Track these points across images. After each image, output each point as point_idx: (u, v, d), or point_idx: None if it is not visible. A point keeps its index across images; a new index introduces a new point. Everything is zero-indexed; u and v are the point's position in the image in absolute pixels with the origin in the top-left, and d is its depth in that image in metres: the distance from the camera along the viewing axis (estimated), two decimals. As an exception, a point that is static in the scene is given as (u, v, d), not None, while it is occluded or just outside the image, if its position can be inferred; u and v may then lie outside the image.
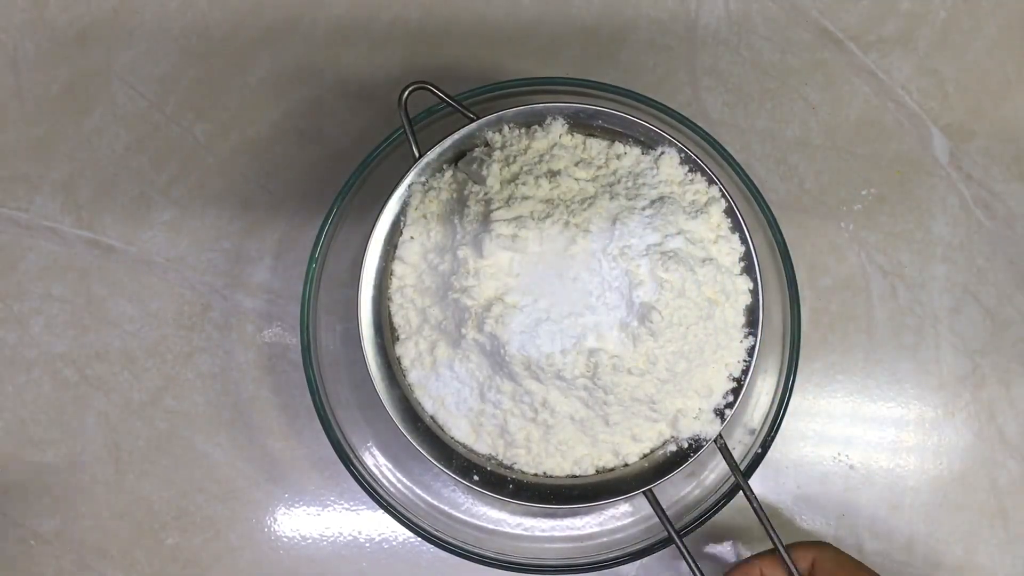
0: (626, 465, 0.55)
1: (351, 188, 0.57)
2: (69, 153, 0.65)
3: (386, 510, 0.57)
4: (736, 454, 0.57)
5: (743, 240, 0.54)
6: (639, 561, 0.59)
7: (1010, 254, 0.64)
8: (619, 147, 0.55)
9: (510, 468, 0.55)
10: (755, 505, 0.54)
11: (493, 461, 0.55)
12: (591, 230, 0.51)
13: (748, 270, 0.54)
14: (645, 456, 0.55)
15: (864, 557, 0.63)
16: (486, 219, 0.51)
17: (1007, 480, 0.63)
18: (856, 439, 0.64)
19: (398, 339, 0.56)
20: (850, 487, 0.63)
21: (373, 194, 0.56)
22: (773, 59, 0.65)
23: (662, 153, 0.55)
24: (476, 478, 0.54)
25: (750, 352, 0.54)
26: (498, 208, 0.51)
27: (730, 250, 0.54)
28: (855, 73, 0.65)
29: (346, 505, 0.63)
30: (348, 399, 0.60)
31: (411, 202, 0.55)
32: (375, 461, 0.60)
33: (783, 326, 0.58)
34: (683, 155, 0.55)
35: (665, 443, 0.55)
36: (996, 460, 0.63)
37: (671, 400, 0.53)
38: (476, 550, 0.57)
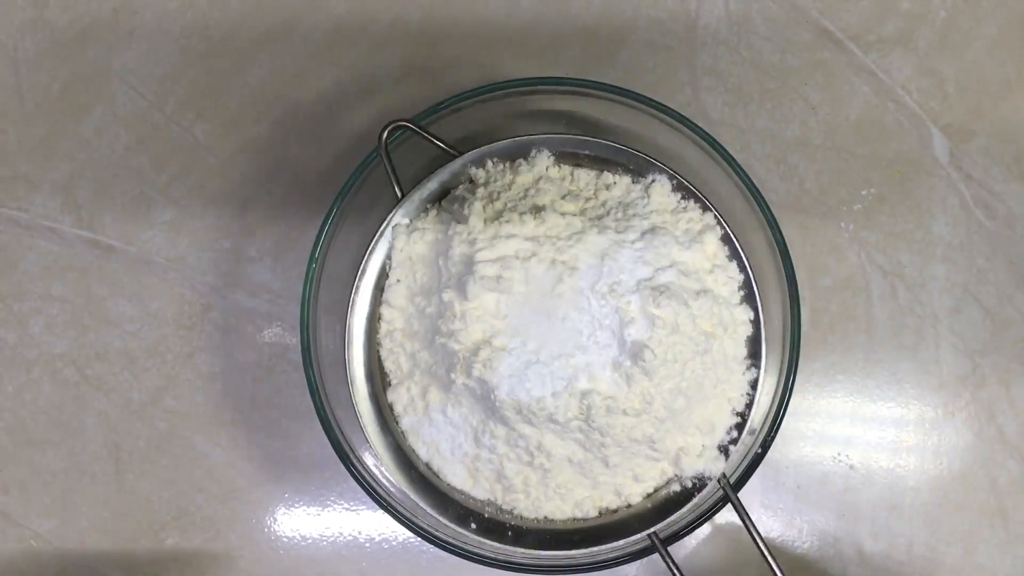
0: (629, 506, 0.54)
1: (351, 188, 0.57)
2: (69, 153, 0.65)
3: (386, 510, 0.57)
4: (736, 454, 0.57)
5: (741, 268, 0.52)
6: (639, 561, 0.59)
7: (1010, 254, 0.64)
8: (608, 176, 0.54)
9: (510, 513, 0.54)
10: (757, 539, 0.52)
11: (492, 506, 0.54)
12: (578, 267, 0.49)
13: (748, 299, 0.53)
14: (648, 496, 0.54)
15: (864, 557, 0.63)
16: (470, 260, 0.50)
17: (1007, 480, 0.63)
18: (856, 439, 0.64)
19: (389, 384, 0.55)
20: (850, 487, 0.63)
21: (373, 194, 0.56)
22: (773, 59, 0.65)
23: (653, 181, 0.53)
24: (473, 526, 0.54)
25: (753, 385, 0.53)
26: (482, 248, 0.50)
27: (727, 279, 0.52)
28: (855, 73, 0.65)
29: (346, 505, 0.63)
30: (348, 399, 0.60)
31: (396, 244, 0.53)
32: (375, 461, 0.60)
33: (783, 326, 0.57)
34: (675, 182, 0.53)
35: (669, 481, 0.54)
36: (996, 460, 0.63)
37: (672, 438, 0.51)
38: (476, 550, 0.57)
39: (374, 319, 0.54)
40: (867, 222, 0.64)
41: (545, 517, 0.54)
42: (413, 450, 0.54)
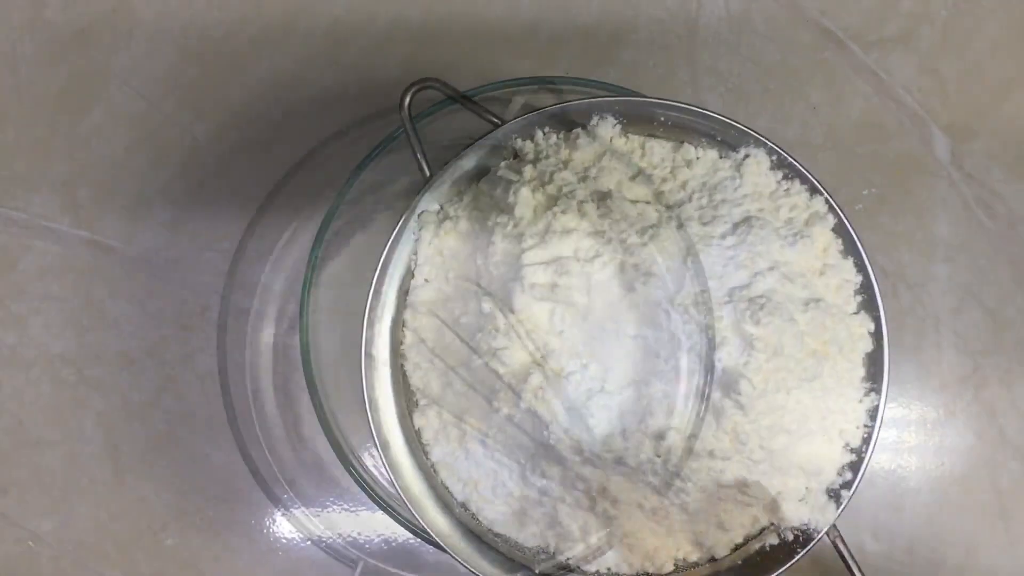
0: (713, 559, 0.44)
1: (351, 188, 0.57)
2: (69, 153, 0.65)
3: (386, 510, 0.57)
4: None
5: (859, 266, 0.42)
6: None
7: (1011, 254, 0.64)
8: (689, 150, 0.44)
9: (564, 566, 0.45)
10: None
11: (543, 556, 0.45)
12: (654, 272, 0.40)
13: (867, 306, 0.42)
14: (737, 547, 0.44)
15: (865, 558, 0.62)
16: (516, 261, 0.41)
17: (1009, 481, 0.63)
18: (857, 439, 0.63)
19: (416, 406, 0.45)
20: (851, 488, 0.63)
21: (373, 193, 0.56)
22: (773, 59, 0.65)
23: (746, 156, 0.43)
24: None
25: (872, 414, 0.42)
26: (531, 247, 0.40)
27: (842, 282, 0.42)
28: (856, 73, 0.65)
29: (346, 505, 0.63)
30: (348, 399, 0.60)
31: (423, 236, 0.44)
32: (375, 461, 0.60)
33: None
34: (774, 157, 0.42)
35: (763, 531, 0.44)
36: (997, 461, 0.63)
37: (768, 481, 0.42)
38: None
39: (397, 327, 0.45)
40: (868, 222, 0.64)
41: (609, 570, 0.45)
42: (447, 487, 0.45)
